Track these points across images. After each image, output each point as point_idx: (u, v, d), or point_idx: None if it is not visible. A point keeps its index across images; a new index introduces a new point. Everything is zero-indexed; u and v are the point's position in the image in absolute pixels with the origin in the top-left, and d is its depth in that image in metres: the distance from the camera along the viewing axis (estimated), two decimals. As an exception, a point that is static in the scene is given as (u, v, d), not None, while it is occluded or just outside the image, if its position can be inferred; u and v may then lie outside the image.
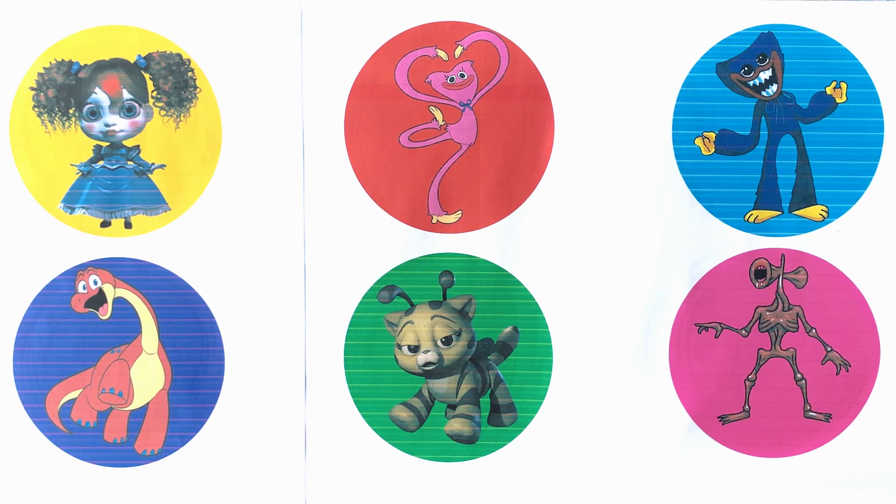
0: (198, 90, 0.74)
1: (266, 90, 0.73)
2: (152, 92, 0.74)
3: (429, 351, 0.75)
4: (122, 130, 0.74)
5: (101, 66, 0.74)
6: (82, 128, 0.74)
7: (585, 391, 0.75)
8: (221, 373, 0.74)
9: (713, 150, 0.74)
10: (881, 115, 0.74)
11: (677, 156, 0.74)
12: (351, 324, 0.75)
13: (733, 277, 0.75)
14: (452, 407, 0.75)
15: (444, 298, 0.75)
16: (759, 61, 0.74)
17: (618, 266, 0.74)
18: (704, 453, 0.75)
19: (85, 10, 0.73)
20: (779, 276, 0.75)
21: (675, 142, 0.74)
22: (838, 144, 0.74)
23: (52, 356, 0.74)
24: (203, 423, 0.74)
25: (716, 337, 0.75)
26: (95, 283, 0.74)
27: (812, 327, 0.75)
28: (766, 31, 0.74)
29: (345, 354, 0.75)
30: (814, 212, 0.75)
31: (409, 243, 0.75)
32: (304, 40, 0.73)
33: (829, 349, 0.75)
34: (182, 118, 0.74)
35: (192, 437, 0.74)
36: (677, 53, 0.74)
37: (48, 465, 0.74)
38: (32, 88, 0.74)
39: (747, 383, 0.75)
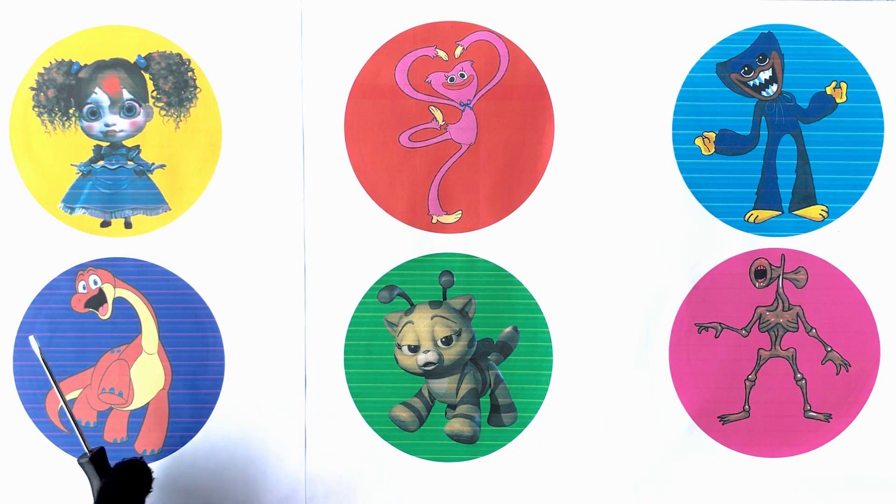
0: (198, 90, 0.74)
1: (266, 90, 0.73)
2: (152, 92, 0.74)
3: (429, 351, 0.75)
4: (122, 130, 0.74)
5: (101, 66, 0.74)
6: (82, 128, 0.74)
7: (585, 391, 0.75)
8: (221, 373, 0.74)
9: (713, 150, 0.74)
10: (881, 115, 0.74)
11: (677, 156, 0.74)
12: (351, 324, 0.75)
13: (733, 277, 0.75)
14: (452, 407, 0.76)
15: (444, 298, 0.75)
16: (759, 61, 0.74)
17: (618, 266, 0.74)
18: (704, 453, 0.75)
19: (85, 10, 0.73)
20: (779, 276, 0.75)
21: (675, 142, 0.74)
22: (838, 144, 0.74)
23: (52, 356, 0.74)
24: (203, 423, 0.74)
25: (716, 337, 0.75)
26: (95, 283, 0.74)
27: (812, 327, 0.75)
28: (766, 31, 0.74)
29: (345, 354, 0.75)
30: (814, 212, 0.75)
31: (409, 243, 0.75)
32: (304, 40, 0.73)
33: (829, 349, 0.75)
34: (182, 118, 0.74)
35: (192, 437, 0.74)
36: (677, 53, 0.74)
37: (48, 465, 0.75)
38: (32, 88, 0.74)
39: (747, 383, 0.75)
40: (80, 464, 0.65)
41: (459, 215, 0.75)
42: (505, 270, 0.75)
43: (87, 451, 0.66)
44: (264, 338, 0.74)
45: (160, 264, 0.74)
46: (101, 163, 0.74)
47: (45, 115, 0.74)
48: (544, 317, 0.75)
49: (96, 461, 0.66)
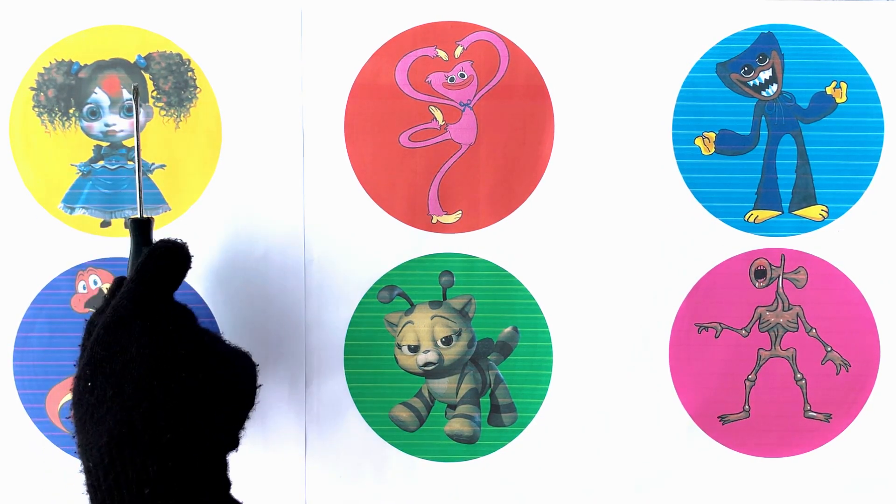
0: (198, 90, 0.74)
1: (266, 90, 0.73)
2: (152, 92, 0.74)
3: (429, 351, 0.75)
4: (122, 130, 0.74)
5: (101, 66, 0.74)
6: (82, 128, 0.74)
7: (585, 391, 0.75)
8: (221, 373, 0.74)
9: (713, 150, 0.74)
10: (881, 115, 0.74)
11: (677, 156, 0.74)
12: (351, 324, 0.75)
13: (733, 277, 0.75)
14: (452, 407, 0.76)
15: (444, 298, 0.75)
16: (759, 61, 0.74)
17: (617, 266, 0.74)
18: (704, 453, 0.75)
19: (85, 10, 0.73)
20: (779, 276, 0.75)
21: (675, 142, 0.74)
22: (838, 144, 0.74)
23: (52, 356, 0.74)
24: (203, 423, 0.74)
25: (716, 337, 0.75)
26: (95, 283, 0.74)
27: (812, 327, 0.75)
28: (766, 31, 0.74)
29: (345, 354, 0.75)
30: (814, 212, 0.75)
31: (409, 243, 0.75)
32: (304, 40, 0.73)
33: (829, 349, 0.75)
34: (182, 118, 0.74)
35: (192, 437, 0.74)
36: (677, 53, 0.74)
37: (48, 465, 0.74)
38: (32, 88, 0.74)
39: (747, 383, 0.75)
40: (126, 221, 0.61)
41: (459, 215, 0.75)
42: (505, 270, 0.75)
43: (139, 214, 0.63)
44: (264, 338, 0.74)
45: (160, 264, 0.74)
46: (101, 163, 0.74)
47: (45, 115, 0.74)
48: (544, 317, 0.75)
49: (141, 227, 0.63)
